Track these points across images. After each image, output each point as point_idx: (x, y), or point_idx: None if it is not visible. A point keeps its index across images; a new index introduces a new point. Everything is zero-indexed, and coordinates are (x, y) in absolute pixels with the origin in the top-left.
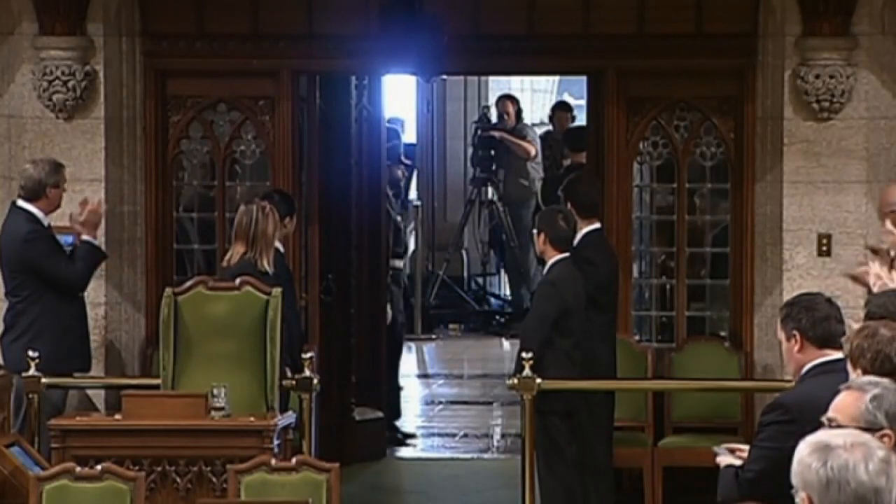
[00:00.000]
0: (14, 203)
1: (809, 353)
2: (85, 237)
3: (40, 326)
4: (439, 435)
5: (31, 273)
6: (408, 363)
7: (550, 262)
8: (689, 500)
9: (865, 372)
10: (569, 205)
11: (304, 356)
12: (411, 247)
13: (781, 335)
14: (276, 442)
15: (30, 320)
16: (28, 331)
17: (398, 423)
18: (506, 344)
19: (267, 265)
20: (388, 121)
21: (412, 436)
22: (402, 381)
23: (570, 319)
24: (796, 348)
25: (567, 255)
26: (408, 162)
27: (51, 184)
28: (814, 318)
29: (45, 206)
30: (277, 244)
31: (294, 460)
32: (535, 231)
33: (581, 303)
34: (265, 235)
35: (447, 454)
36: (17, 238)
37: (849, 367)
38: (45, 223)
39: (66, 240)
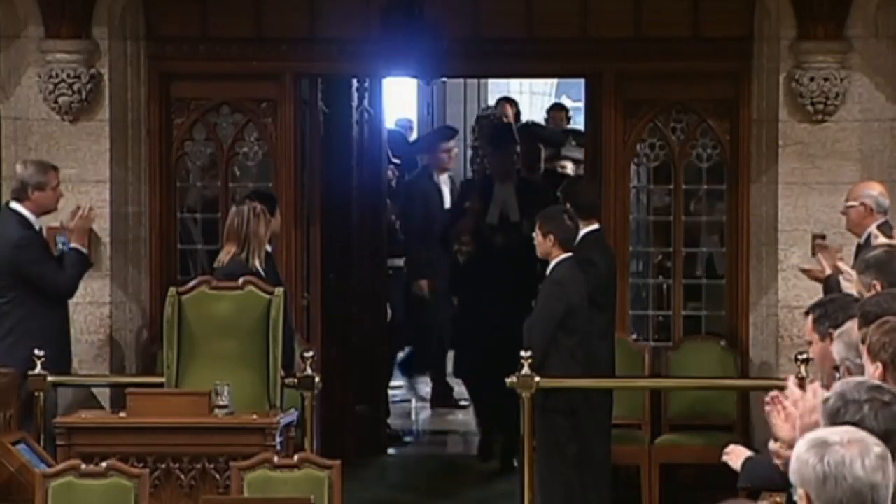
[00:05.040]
0: (7, 204)
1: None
2: (73, 244)
3: (23, 330)
4: (439, 432)
5: (19, 277)
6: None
7: (554, 261)
8: (686, 496)
9: (885, 367)
10: (568, 206)
11: (301, 355)
12: None
13: (814, 336)
14: (278, 439)
15: (12, 323)
16: (10, 334)
17: (388, 421)
18: None
19: (258, 264)
20: (396, 122)
21: (405, 433)
22: (399, 380)
23: (574, 318)
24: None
25: (570, 254)
26: (397, 161)
27: (34, 185)
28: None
29: (33, 207)
30: (267, 246)
31: (296, 457)
32: (537, 232)
33: (585, 302)
34: (257, 235)
35: (447, 451)
36: (9, 243)
37: (865, 360)
38: (37, 226)
39: (62, 240)
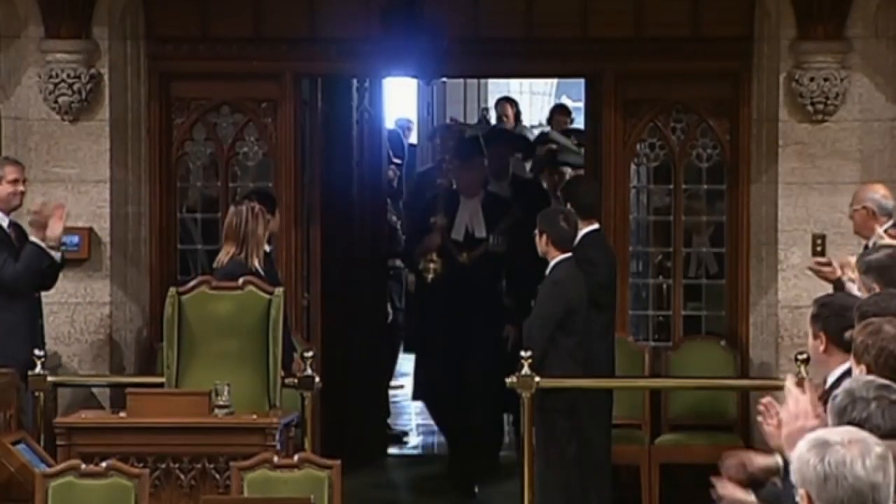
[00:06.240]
0: None
1: (835, 357)
2: (32, 238)
3: None
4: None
5: None
6: (405, 361)
7: (553, 262)
8: (686, 496)
9: (869, 368)
10: (568, 206)
11: (301, 355)
12: None
13: (809, 330)
14: (278, 439)
15: None
16: None
17: (389, 421)
18: None
19: (257, 264)
20: (396, 122)
21: (405, 433)
22: (399, 380)
23: (573, 318)
24: (821, 348)
25: (569, 255)
26: (398, 161)
27: None
28: (842, 325)
29: None
30: (266, 246)
31: (296, 457)
32: (536, 232)
33: (584, 302)
34: (255, 235)
35: (446, 451)
36: None
37: (852, 362)
38: (6, 222)
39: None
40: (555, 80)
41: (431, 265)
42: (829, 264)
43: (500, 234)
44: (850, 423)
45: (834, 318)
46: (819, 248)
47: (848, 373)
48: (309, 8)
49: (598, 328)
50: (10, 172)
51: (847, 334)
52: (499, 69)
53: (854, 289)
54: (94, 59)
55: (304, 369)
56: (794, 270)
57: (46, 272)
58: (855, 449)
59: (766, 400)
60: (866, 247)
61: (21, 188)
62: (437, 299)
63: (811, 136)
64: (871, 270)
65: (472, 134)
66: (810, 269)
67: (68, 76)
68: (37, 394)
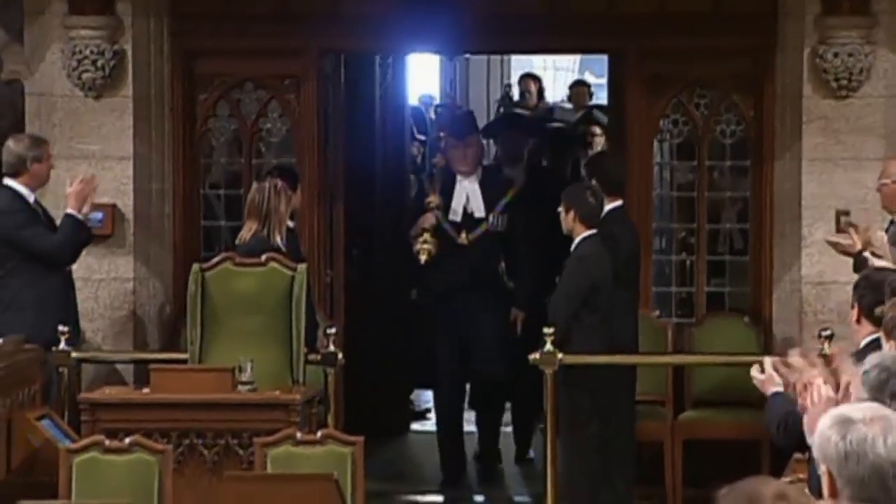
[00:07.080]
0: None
1: (864, 327)
2: (69, 210)
3: (21, 300)
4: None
5: (10, 246)
6: None
7: (578, 238)
8: (709, 473)
9: None
10: (594, 182)
11: (324, 331)
12: None
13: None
14: (301, 415)
15: (11, 294)
16: (11, 304)
17: (411, 398)
18: None
19: (280, 241)
20: (420, 99)
21: (428, 410)
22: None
23: (597, 295)
24: (854, 318)
25: (594, 231)
26: (422, 137)
27: (32, 157)
28: (874, 300)
29: (30, 181)
30: (289, 222)
31: (319, 434)
32: (561, 209)
33: (608, 279)
34: (278, 212)
35: (468, 427)
36: None
37: (882, 338)
38: (31, 199)
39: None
40: (578, 56)
41: (425, 246)
42: (854, 227)
43: (501, 211)
44: (893, 395)
45: (868, 293)
46: (842, 225)
47: (874, 342)
48: None
49: (621, 305)
50: (47, 150)
51: (878, 310)
52: (522, 45)
53: (878, 263)
54: (117, 35)
55: (327, 345)
56: (818, 246)
57: (85, 243)
58: (876, 427)
59: (803, 380)
60: (892, 221)
61: (52, 165)
62: (437, 283)
63: (835, 111)
64: None
65: (466, 110)
66: (828, 242)
67: (92, 52)
68: (61, 369)
